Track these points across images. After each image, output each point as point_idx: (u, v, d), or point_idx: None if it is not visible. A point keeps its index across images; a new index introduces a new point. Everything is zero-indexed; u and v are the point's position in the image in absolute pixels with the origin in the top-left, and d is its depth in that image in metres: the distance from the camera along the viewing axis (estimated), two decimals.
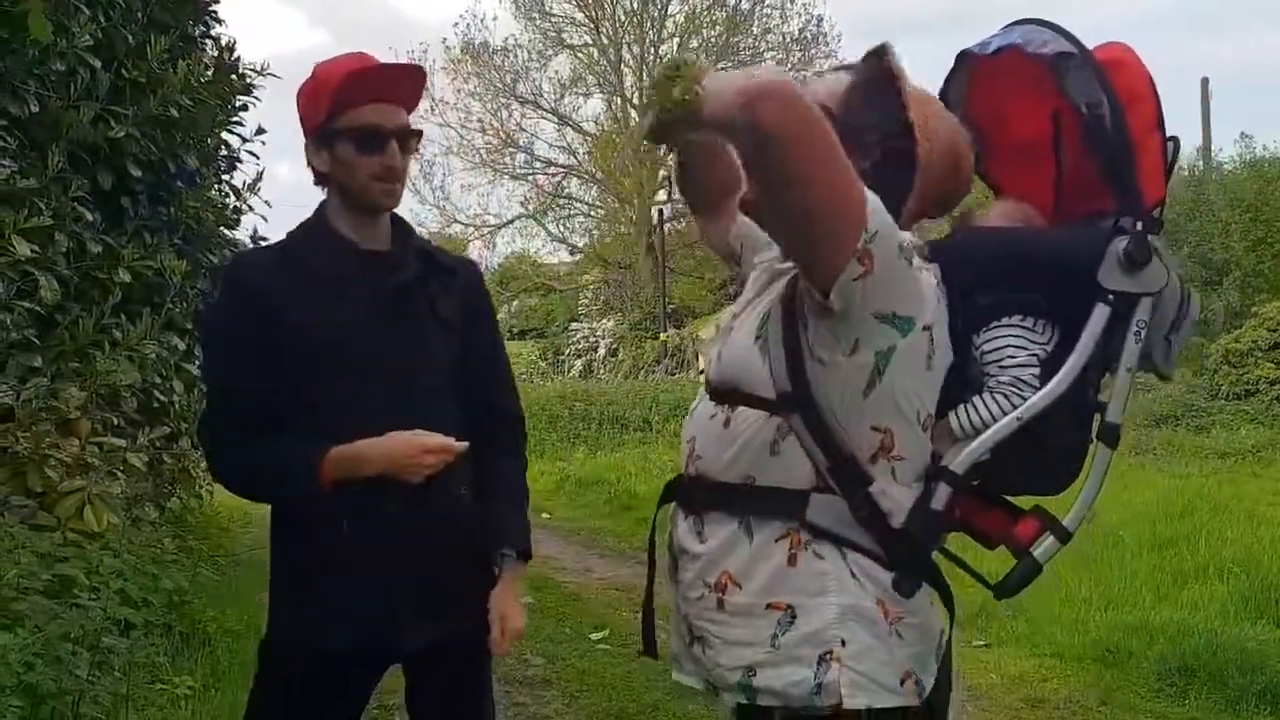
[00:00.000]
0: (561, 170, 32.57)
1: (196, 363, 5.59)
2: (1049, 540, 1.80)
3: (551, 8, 31.42)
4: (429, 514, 2.08)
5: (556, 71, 31.45)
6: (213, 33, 5.95)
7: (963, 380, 1.76)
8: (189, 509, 5.77)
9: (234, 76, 5.67)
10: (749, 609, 1.69)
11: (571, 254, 33.83)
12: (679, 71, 1.51)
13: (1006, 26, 1.93)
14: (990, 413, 1.75)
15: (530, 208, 32.12)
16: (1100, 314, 1.75)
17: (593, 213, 33.74)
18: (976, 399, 1.77)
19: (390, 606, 2.07)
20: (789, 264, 1.76)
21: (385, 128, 2.02)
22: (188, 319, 5.37)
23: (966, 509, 1.80)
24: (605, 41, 31.76)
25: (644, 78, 31.44)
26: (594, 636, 5.44)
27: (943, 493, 1.71)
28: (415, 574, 2.08)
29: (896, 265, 1.58)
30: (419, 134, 2.11)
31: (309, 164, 2.09)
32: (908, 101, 1.73)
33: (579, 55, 31.91)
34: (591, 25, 31.73)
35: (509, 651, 2.23)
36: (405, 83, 2.10)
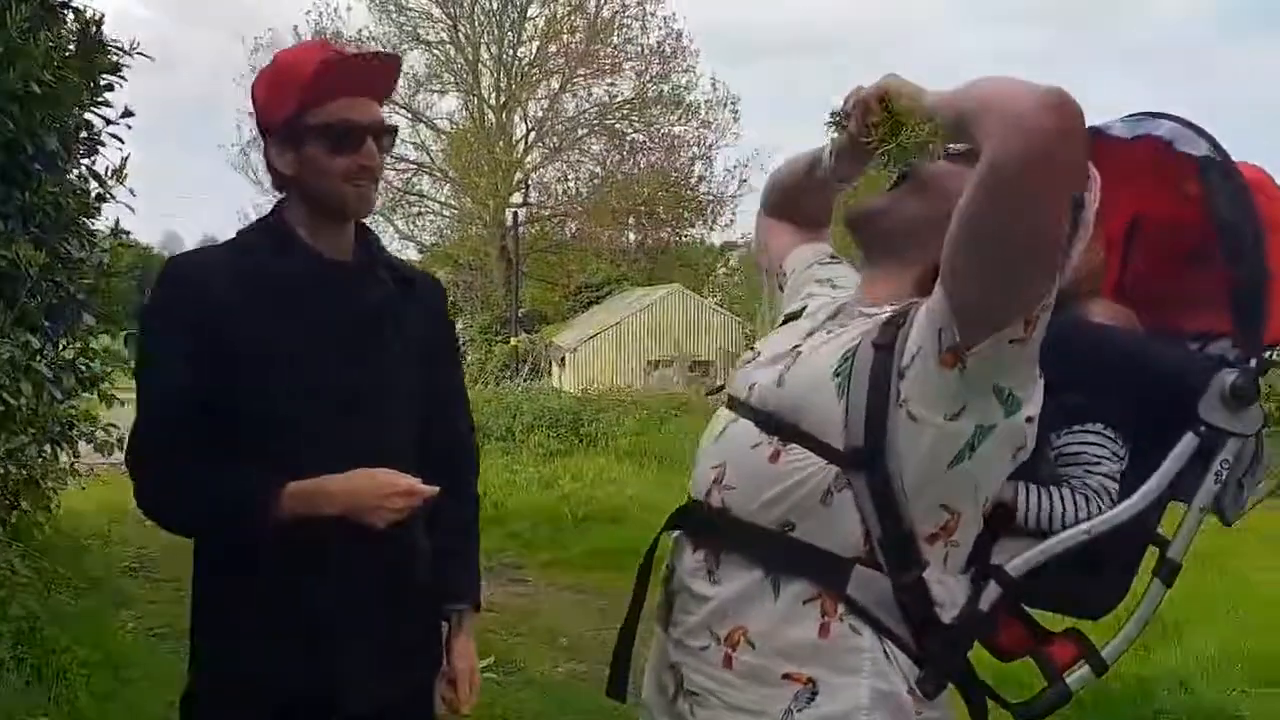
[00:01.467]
0: (412, 167, 32.07)
1: (44, 361, 5.11)
2: (1084, 669, 1.71)
3: (407, 2, 30.93)
4: (384, 560, 1.89)
5: (411, 67, 30.90)
6: (74, 3, 5.47)
7: (1028, 475, 1.67)
8: (35, 524, 5.29)
9: (98, 54, 5.22)
10: (761, 674, 1.54)
11: (420, 252, 33.25)
12: (900, 120, 1.54)
13: (1141, 116, 1.85)
14: (1067, 510, 1.66)
15: (378, 203, 31.45)
16: (1188, 443, 1.68)
17: (444, 212, 33.32)
18: (1054, 490, 1.67)
19: (338, 661, 1.87)
20: (877, 309, 1.63)
21: (361, 123, 1.84)
22: (42, 314, 4.90)
23: None
24: (463, 40, 31.47)
25: (501, 78, 31.30)
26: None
27: (992, 593, 1.60)
28: (366, 626, 1.90)
29: (1038, 343, 1.48)
30: (395, 130, 1.94)
31: (269, 165, 1.89)
32: (1093, 202, 1.63)
33: (435, 52, 31.55)
34: (449, 23, 31.43)
35: (470, 709, 2.08)
36: (381, 73, 1.93)
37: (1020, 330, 1.43)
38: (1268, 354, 1.73)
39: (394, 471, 1.83)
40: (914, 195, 1.64)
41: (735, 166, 32.93)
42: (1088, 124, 1.41)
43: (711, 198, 32.52)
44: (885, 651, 1.52)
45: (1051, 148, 1.33)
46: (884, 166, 1.63)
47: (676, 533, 1.71)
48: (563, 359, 27.27)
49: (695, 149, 32.11)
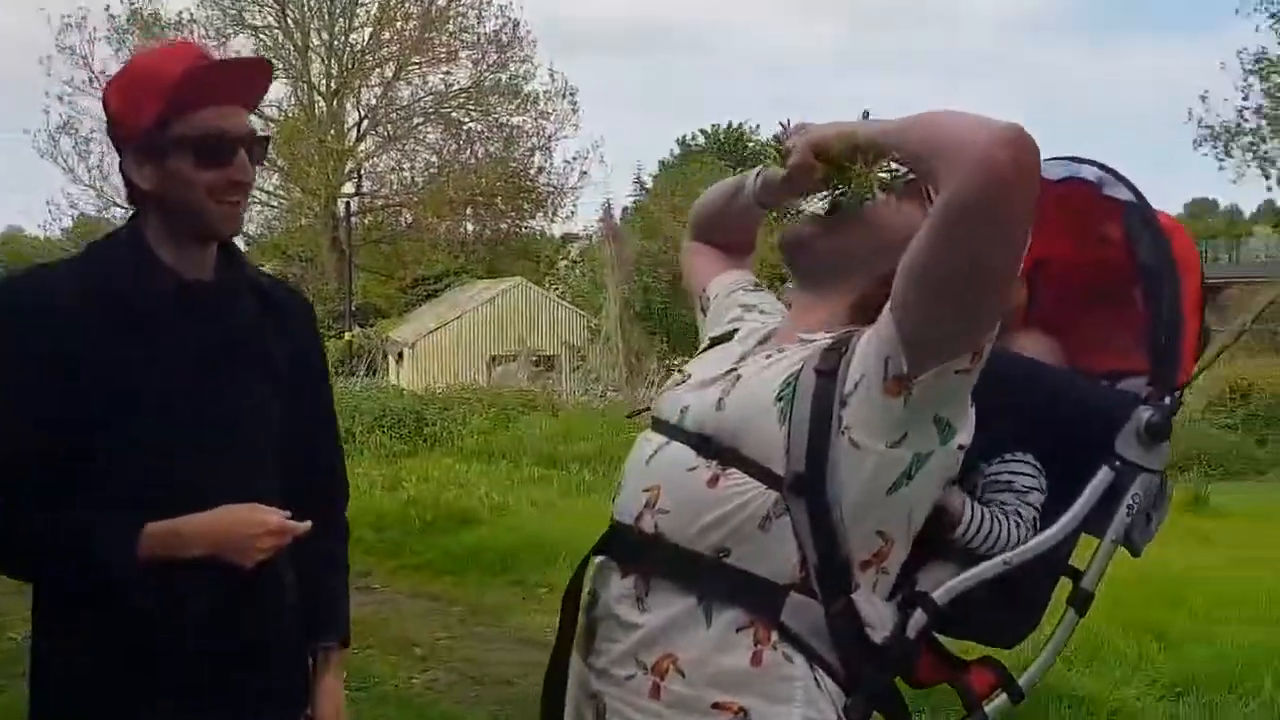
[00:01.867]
0: None
1: None
2: (1002, 697, 1.71)
3: None
4: (250, 599, 1.77)
5: (237, 51, 29.67)
6: None
7: None
8: None
9: None
10: (690, 703, 1.50)
11: (246, 244, 32.07)
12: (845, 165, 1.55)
13: (1066, 160, 1.87)
14: (1003, 535, 1.65)
15: None
16: (1104, 477, 1.70)
17: (272, 202, 32.20)
18: (999, 514, 1.67)
19: (198, 709, 1.75)
20: (813, 335, 1.61)
21: (233, 134, 1.72)
22: None
23: None
24: (291, 25, 30.53)
25: (333, 65, 30.44)
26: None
27: (918, 620, 1.59)
28: (229, 669, 1.77)
29: (978, 374, 1.48)
30: (268, 140, 1.82)
31: (126, 179, 1.74)
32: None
33: (261, 37, 30.47)
34: (276, 7, 30.45)
35: None
36: (253, 80, 1.82)
37: (967, 362, 1.44)
38: (1179, 393, 1.77)
39: (262, 507, 1.73)
40: (849, 224, 1.63)
41: (575, 158, 32.71)
42: None
43: (551, 189, 32.42)
44: (816, 680, 1.50)
45: (1011, 182, 1.34)
46: (837, 211, 1.64)
47: (600, 558, 1.66)
48: (400, 354, 26.72)
49: (534, 139, 31.96)
